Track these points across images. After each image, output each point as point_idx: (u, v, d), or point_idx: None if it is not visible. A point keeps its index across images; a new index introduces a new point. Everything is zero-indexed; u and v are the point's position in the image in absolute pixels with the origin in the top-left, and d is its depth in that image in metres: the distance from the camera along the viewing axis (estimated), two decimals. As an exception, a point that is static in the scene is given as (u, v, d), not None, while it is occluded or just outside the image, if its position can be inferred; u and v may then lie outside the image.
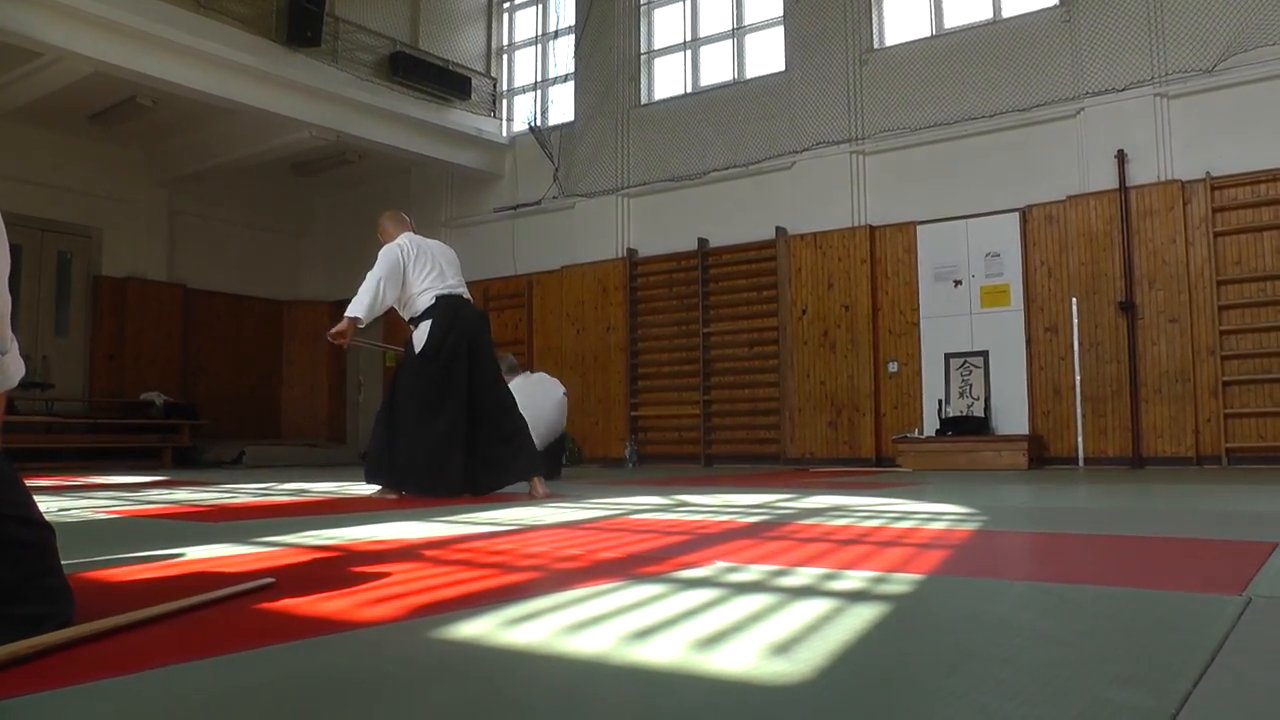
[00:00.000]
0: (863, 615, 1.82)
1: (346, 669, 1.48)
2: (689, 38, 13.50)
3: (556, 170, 14.01)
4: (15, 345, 1.89)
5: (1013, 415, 10.35)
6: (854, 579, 2.31)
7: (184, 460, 13.42)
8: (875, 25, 11.76)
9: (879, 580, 2.29)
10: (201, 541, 3.33)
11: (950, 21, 11.40)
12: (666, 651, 1.52)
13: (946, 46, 11.17)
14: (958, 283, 10.72)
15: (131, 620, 1.76)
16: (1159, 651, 1.51)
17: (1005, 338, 10.45)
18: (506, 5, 15.59)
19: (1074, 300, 10.09)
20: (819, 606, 1.91)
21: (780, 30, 12.55)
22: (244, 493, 6.66)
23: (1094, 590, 2.16)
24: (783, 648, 1.54)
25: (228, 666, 1.48)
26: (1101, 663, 1.43)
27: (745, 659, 1.46)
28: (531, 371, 9.21)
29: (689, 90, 13.38)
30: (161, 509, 5.17)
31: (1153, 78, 9.91)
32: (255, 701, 1.29)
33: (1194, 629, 1.68)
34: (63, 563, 1.75)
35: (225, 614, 1.93)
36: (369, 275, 5.98)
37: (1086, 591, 2.15)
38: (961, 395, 10.60)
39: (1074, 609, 1.93)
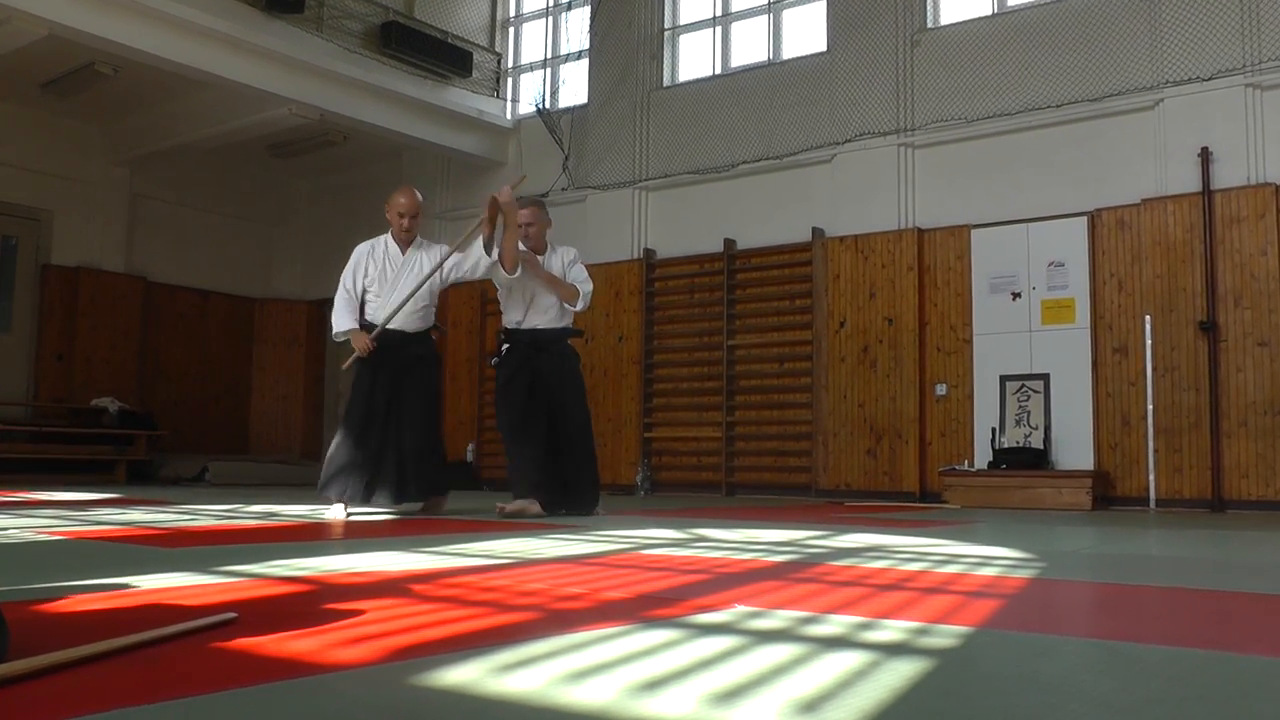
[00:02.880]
0: (901, 671, 1.82)
1: (315, 718, 1.48)
2: (719, 13, 13.54)
3: (566, 158, 14.04)
4: None
5: (1076, 448, 10.31)
6: (892, 629, 2.30)
7: (139, 476, 13.45)
8: (929, 2, 11.78)
9: (920, 632, 2.28)
10: (156, 569, 3.34)
11: (1014, -1, 11.42)
12: (678, 706, 1.52)
13: (1009, 27, 11.16)
14: (1016, 295, 10.70)
15: (73, 657, 1.76)
16: (1237, 722, 1.50)
17: (1069, 359, 10.42)
18: (514, -29, 15.68)
19: (1148, 318, 10.06)
20: (852, 659, 1.91)
21: (822, 6, 12.56)
22: (206, 514, 6.68)
23: (1164, 651, 2.15)
24: (809, 705, 1.53)
25: (180, 712, 1.48)
26: (1171, 733, 1.42)
27: (767, 716, 1.46)
28: None
29: (717, 72, 13.41)
30: (112, 530, 5.18)
31: (1244, 66, 9.89)
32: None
33: (1278, 700, 1.67)
34: (-1, 590, 1.75)
35: (179, 652, 1.93)
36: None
37: (1156, 652, 2.14)
38: (1018, 424, 10.56)
39: (1141, 671, 1.92)
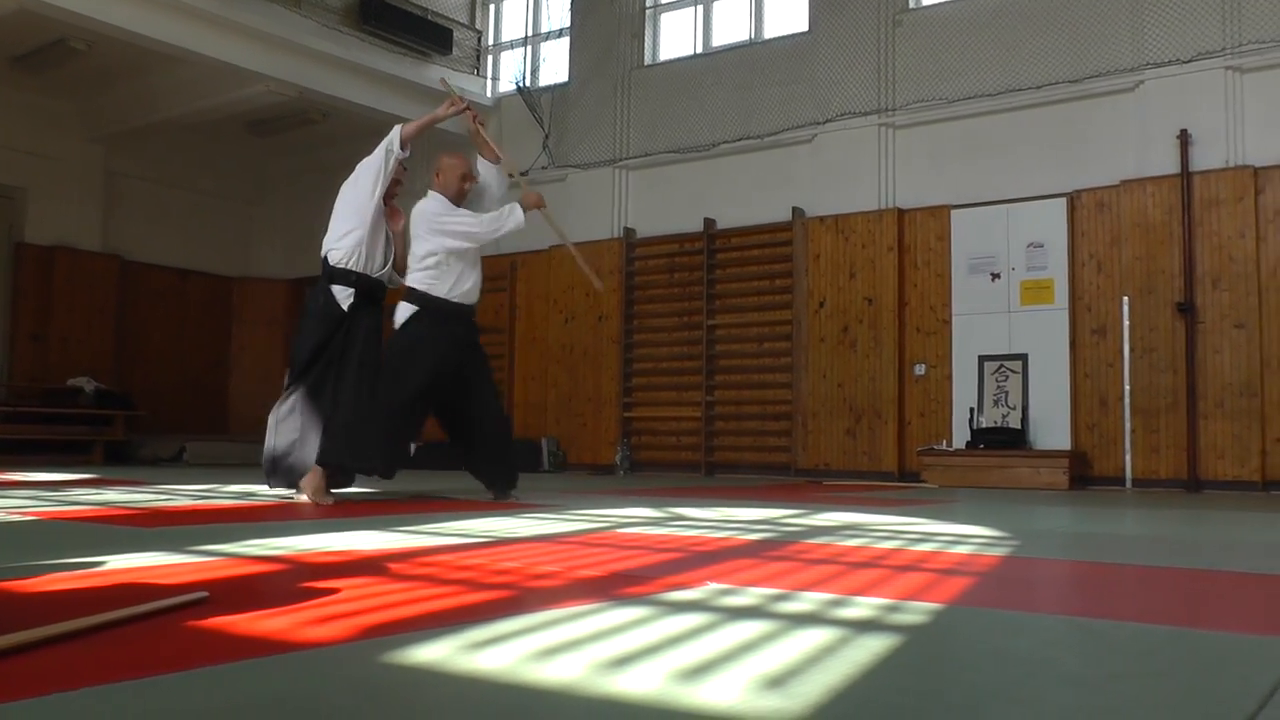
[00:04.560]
0: (870, 647, 1.83)
1: (282, 695, 1.49)
2: (700, -9, 13.51)
3: (547, 137, 14.01)
4: None
5: (1053, 428, 10.36)
6: (864, 606, 2.32)
7: (117, 456, 13.40)
8: (911, -18, 11.78)
9: (892, 608, 2.30)
10: (129, 549, 3.33)
11: (996, -20, 11.41)
12: (646, 682, 1.53)
13: (990, 7, 11.15)
14: (995, 276, 10.73)
15: (44, 635, 1.76)
16: (1200, 699, 1.52)
17: (1047, 340, 10.46)
18: (494, -52, 15.61)
19: (1126, 299, 10.10)
20: (821, 636, 1.92)
21: (803, -15, 12.56)
22: (183, 495, 6.66)
23: (1134, 628, 2.18)
24: (777, 681, 1.54)
25: (149, 690, 1.49)
26: (1135, 709, 1.44)
27: (733, 692, 1.47)
28: None
29: (699, 51, 13.37)
30: (87, 511, 5.17)
31: (1224, 49, 9.90)
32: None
33: (1245, 674, 1.69)
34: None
35: (150, 631, 1.93)
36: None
37: (1125, 629, 2.16)
38: (996, 404, 10.61)
39: (1110, 648, 1.94)
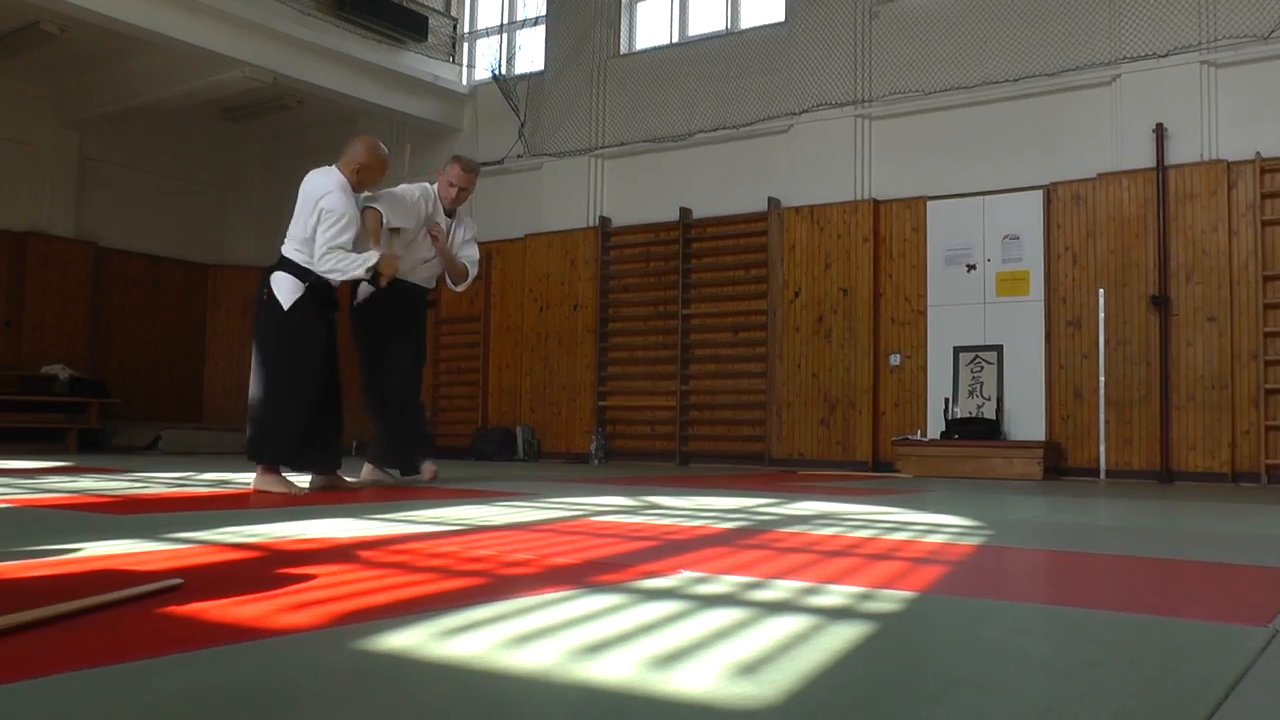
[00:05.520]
0: (842, 635, 1.84)
1: (255, 681, 1.49)
2: (677, -20, 13.49)
3: (522, 126, 13.98)
4: None
5: (1027, 419, 10.41)
6: (836, 594, 2.33)
7: (91, 444, 13.33)
8: (888, -27, 11.79)
9: (864, 597, 2.31)
10: (104, 536, 3.32)
11: (973, -28, 11.43)
12: (618, 669, 1.54)
13: (968, 0, 11.18)
14: (971, 267, 10.77)
15: (18, 622, 1.76)
16: (1169, 685, 1.53)
17: (1022, 331, 10.51)
18: (471, -64, 15.54)
19: (1101, 292, 10.15)
20: (793, 624, 1.93)
21: (781, -25, 12.56)
22: (157, 482, 6.64)
23: (1103, 616, 2.19)
24: (749, 668, 1.55)
25: (123, 676, 1.49)
26: (1103, 695, 1.45)
27: (705, 679, 1.48)
28: None
29: (675, 40, 13.36)
30: (61, 499, 5.14)
31: (1199, 44, 9.96)
32: (151, 716, 1.30)
33: (1211, 661, 1.71)
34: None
35: (124, 618, 1.93)
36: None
37: (1095, 617, 2.18)
38: (971, 394, 10.66)
39: (1079, 635, 1.96)
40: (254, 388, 5.94)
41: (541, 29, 14.15)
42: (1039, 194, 10.53)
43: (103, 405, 13.69)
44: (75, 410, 13.42)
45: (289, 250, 5.97)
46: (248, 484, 6.24)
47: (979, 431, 10.29)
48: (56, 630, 1.78)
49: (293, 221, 6.05)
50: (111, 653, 1.63)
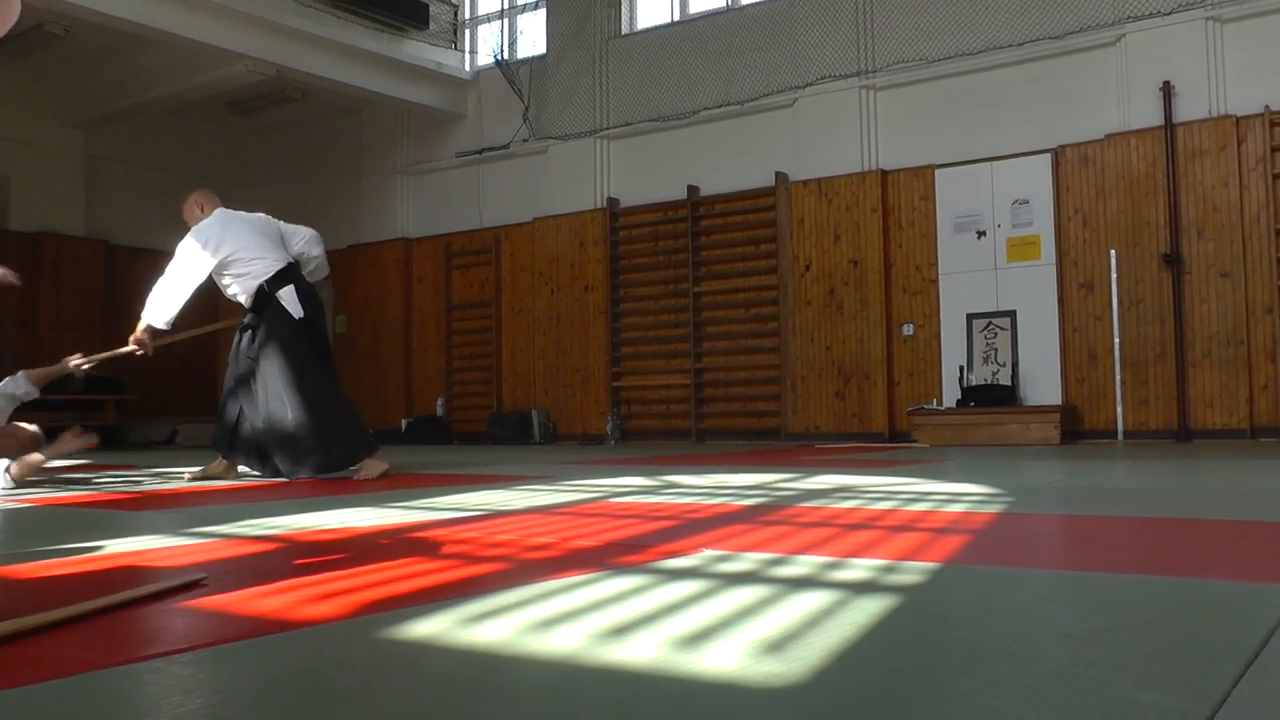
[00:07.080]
0: (866, 609, 1.84)
1: (284, 674, 1.49)
2: (677, -44, 13.43)
3: (527, 109, 13.94)
4: None
5: (1043, 383, 10.39)
6: (859, 568, 2.33)
7: (109, 441, 13.34)
8: (888, -59, 11.72)
9: (887, 569, 2.31)
10: (125, 533, 3.33)
11: (973, -63, 11.35)
12: (644, 650, 1.53)
13: (969, -35, 11.12)
14: (981, 234, 10.73)
15: (45, 621, 1.76)
16: (1196, 647, 1.53)
17: (1035, 296, 10.48)
18: (468, -80, 15.48)
19: (1113, 253, 10.11)
20: (818, 599, 1.93)
21: (780, -53, 12.48)
22: (176, 478, 6.66)
23: (1127, 579, 2.19)
24: (775, 645, 1.55)
25: (151, 674, 1.49)
26: (1130, 660, 1.45)
27: (732, 658, 1.48)
28: None
29: (676, 18, 13.30)
30: (81, 496, 5.17)
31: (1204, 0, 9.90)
32: (182, 711, 1.30)
33: (1238, 622, 1.70)
34: (-37, 557, 1.75)
35: (150, 614, 1.94)
36: (169, 271, 6.91)
37: (1118, 581, 2.17)
38: (985, 361, 10.63)
39: (1104, 600, 1.95)
40: (298, 398, 6.20)
41: (542, 12, 14.10)
42: (1047, 157, 10.48)
43: (119, 402, 13.76)
44: (91, 408, 13.49)
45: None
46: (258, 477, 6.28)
47: (995, 398, 10.27)
48: (84, 629, 1.78)
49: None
50: (135, 650, 1.64)
